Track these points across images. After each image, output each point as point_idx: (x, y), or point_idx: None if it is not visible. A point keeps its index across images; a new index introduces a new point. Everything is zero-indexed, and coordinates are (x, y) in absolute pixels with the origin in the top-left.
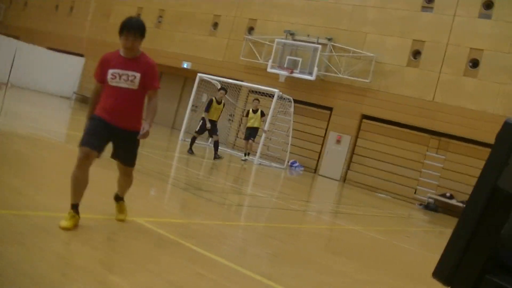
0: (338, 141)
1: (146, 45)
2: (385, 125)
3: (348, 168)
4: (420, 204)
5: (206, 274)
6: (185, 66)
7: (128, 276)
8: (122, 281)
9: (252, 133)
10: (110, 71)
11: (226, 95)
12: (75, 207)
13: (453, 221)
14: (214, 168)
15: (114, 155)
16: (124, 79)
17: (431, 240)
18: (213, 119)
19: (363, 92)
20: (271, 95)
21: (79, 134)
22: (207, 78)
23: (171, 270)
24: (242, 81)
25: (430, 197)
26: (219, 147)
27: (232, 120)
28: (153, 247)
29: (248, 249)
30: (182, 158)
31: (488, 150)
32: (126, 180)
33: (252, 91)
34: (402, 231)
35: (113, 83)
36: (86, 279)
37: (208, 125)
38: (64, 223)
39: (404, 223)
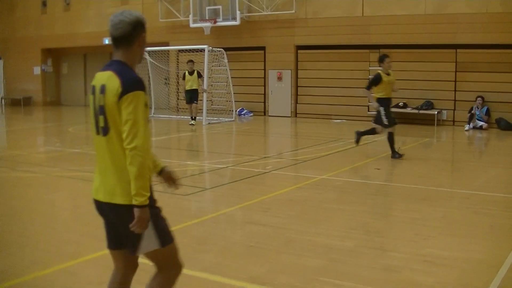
0: (280, 78)
1: (59, 31)
2: (321, 51)
3: (296, 102)
4: None
5: None
6: (106, 42)
7: None
8: None
9: (192, 96)
10: None
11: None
12: None
13: (409, 129)
14: (162, 147)
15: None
16: None
17: (398, 165)
18: (388, 96)
19: (291, 23)
20: (202, 50)
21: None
22: None
23: None
24: (167, 43)
25: None
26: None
27: (168, 83)
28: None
29: (232, 250)
30: None
31: (427, 51)
32: None
33: (181, 50)
34: (369, 163)
35: None
36: None
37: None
38: None
39: (367, 149)
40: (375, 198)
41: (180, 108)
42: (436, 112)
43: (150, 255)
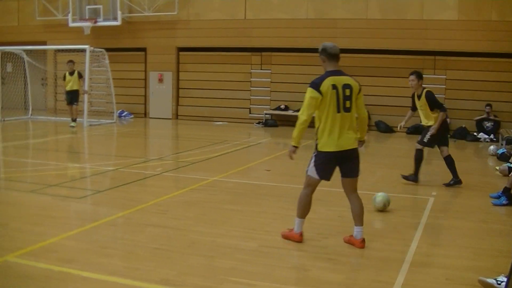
0: (161, 80)
1: None
2: (203, 53)
3: (177, 104)
4: (258, 123)
5: None
6: None
7: None
8: None
9: (73, 97)
10: None
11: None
12: None
13: (290, 131)
14: (42, 149)
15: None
16: None
17: (284, 166)
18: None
19: (173, 25)
20: (81, 50)
21: None
22: (5, 50)
23: None
24: (45, 43)
25: (266, 113)
26: None
27: (46, 84)
28: None
29: (136, 253)
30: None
31: (306, 55)
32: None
33: (59, 50)
34: (258, 165)
35: None
36: None
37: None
38: None
39: (252, 152)
40: (269, 199)
41: (58, 110)
42: None
43: (356, 179)
